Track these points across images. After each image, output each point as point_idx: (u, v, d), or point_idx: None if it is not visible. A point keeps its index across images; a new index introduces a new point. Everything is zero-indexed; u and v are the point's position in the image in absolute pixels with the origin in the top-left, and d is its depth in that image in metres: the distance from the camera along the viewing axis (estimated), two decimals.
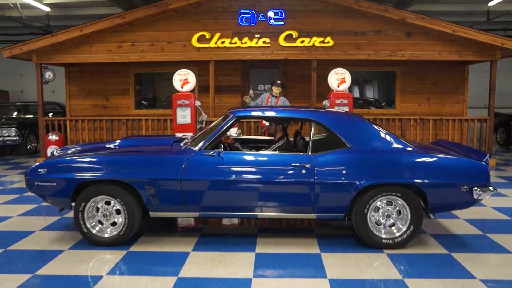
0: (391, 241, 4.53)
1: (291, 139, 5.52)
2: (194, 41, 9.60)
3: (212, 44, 9.60)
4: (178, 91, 8.65)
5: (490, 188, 4.47)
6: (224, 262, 4.24)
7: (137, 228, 4.73)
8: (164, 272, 4.02)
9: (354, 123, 4.77)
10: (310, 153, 4.55)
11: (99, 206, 4.67)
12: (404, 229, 4.55)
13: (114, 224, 4.69)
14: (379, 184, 4.46)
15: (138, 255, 4.44)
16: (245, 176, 4.52)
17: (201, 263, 4.21)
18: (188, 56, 9.72)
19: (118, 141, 5.57)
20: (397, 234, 4.56)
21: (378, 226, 4.60)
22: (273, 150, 4.82)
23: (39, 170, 4.68)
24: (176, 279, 3.87)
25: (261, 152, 4.78)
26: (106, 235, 4.65)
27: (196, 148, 4.65)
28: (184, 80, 8.55)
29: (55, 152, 5.45)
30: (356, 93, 11.32)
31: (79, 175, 4.58)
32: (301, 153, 4.60)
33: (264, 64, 10.93)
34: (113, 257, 4.38)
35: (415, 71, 10.70)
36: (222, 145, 4.58)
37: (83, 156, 4.74)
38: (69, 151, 5.33)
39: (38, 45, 9.53)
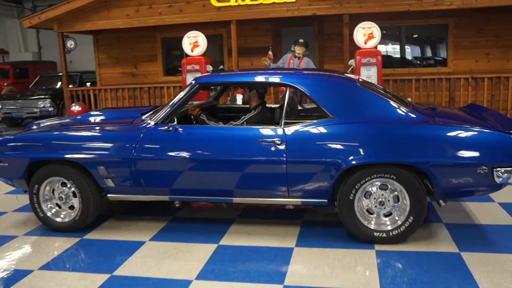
0: (384, 235, 3.63)
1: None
2: (213, 0, 8.79)
3: (232, 2, 8.73)
4: (188, 55, 7.98)
5: None
6: (174, 256, 3.61)
7: (97, 212, 4.22)
8: (100, 268, 3.47)
9: (340, 88, 3.83)
10: (282, 126, 3.70)
11: (55, 188, 4.21)
12: (401, 219, 3.62)
13: (72, 207, 4.21)
14: (368, 164, 3.54)
15: (88, 245, 3.94)
16: (205, 154, 3.80)
17: (147, 257, 3.61)
18: (208, 17, 8.95)
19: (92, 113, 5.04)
20: (392, 226, 3.64)
21: (371, 216, 3.70)
22: (242, 123, 4.02)
23: None
24: (108, 277, 3.31)
25: (225, 125, 4.00)
26: (60, 220, 4.19)
27: (152, 123, 3.98)
28: (193, 43, 7.86)
29: (34, 127, 5.03)
30: (397, 51, 9.94)
31: (28, 154, 4.12)
32: (272, 127, 3.76)
33: (296, 22, 9.86)
34: (60, 246, 3.92)
35: (472, 23, 9.09)
36: (185, 118, 3.88)
37: (35, 133, 4.27)
38: (38, 126, 4.89)
39: (56, 13, 9.24)
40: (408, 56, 9.84)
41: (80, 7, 9.24)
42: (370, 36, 7.01)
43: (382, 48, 9.69)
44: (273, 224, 4.18)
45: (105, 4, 9.27)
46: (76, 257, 3.72)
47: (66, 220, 4.18)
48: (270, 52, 7.97)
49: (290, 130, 3.67)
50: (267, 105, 4.42)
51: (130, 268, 3.45)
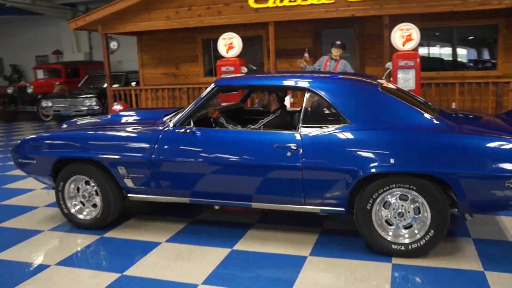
0: (403, 248, 3.45)
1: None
2: (251, 2, 8.76)
3: (270, 3, 8.66)
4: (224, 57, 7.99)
5: None
6: (187, 259, 3.61)
7: (118, 211, 4.29)
8: (113, 267, 3.53)
9: (359, 93, 3.67)
10: (299, 131, 3.60)
11: (79, 186, 4.32)
12: (421, 232, 3.43)
13: (95, 206, 4.31)
14: (386, 173, 3.37)
15: (107, 243, 4.01)
16: (221, 157, 3.77)
17: (160, 259, 3.63)
18: (246, 18, 8.93)
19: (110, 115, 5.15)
20: (411, 239, 3.45)
21: (390, 227, 3.53)
22: (260, 127, 3.95)
23: (20, 147, 4.46)
24: (118, 276, 3.36)
25: (242, 129, 3.95)
26: (83, 217, 4.30)
27: (171, 125, 3.99)
28: (228, 44, 7.84)
29: (64, 126, 5.20)
30: (442, 53, 9.49)
31: (54, 152, 4.26)
32: (288, 132, 3.67)
33: (337, 23, 9.66)
34: (80, 243, 4.02)
35: None
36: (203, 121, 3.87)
37: (60, 132, 4.40)
38: (68, 125, 5.04)
39: (100, 15, 9.54)
40: (454, 59, 9.38)
41: (123, 9, 9.47)
42: (408, 38, 6.73)
43: (424, 51, 9.33)
44: (291, 231, 4.09)
45: (146, 6, 9.46)
46: (92, 254, 3.81)
47: (88, 217, 4.29)
48: (306, 54, 7.85)
49: (306, 135, 3.56)
50: (288, 109, 4.33)
51: (141, 268, 3.48)
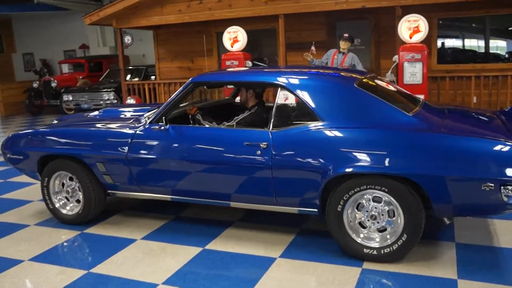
0: (375, 252, 3.29)
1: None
2: None
3: None
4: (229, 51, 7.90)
5: None
6: (157, 257, 3.58)
7: (100, 207, 4.31)
8: (82, 263, 3.54)
9: (332, 89, 3.51)
10: (270, 128, 3.49)
11: (64, 182, 4.36)
12: (393, 237, 3.26)
13: (78, 201, 4.34)
14: (357, 174, 3.22)
15: (85, 239, 4.04)
16: (193, 155, 3.71)
17: (130, 256, 3.62)
18: (255, 11, 8.80)
19: (101, 111, 5.15)
20: (383, 243, 3.29)
21: (363, 230, 3.38)
22: (236, 123, 3.85)
23: (8, 142, 4.54)
24: (84, 273, 3.37)
25: (214, 127, 3.87)
26: (65, 212, 4.34)
27: (147, 121, 3.96)
28: (233, 38, 7.75)
29: (55, 121, 5.28)
30: (460, 45, 9.05)
31: (38, 148, 4.31)
32: (259, 129, 3.56)
33: (351, 15, 9.39)
34: (59, 238, 4.07)
35: None
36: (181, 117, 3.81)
37: (43, 129, 4.45)
38: (58, 122, 5.10)
39: (114, 10, 9.63)
40: (473, 50, 8.95)
41: (136, 4, 9.53)
42: (416, 30, 6.42)
43: (440, 42, 8.93)
44: (269, 230, 3.99)
45: (158, 0, 9.48)
46: (67, 250, 3.84)
47: (71, 213, 4.33)
48: (313, 48, 7.66)
49: (277, 133, 3.45)
50: (267, 105, 4.21)
51: (109, 266, 3.47)
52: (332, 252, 3.49)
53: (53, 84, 13.50)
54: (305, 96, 3.46)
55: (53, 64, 18.66)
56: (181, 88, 3.89)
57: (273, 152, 3.41)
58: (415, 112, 3.46)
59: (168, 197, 4.02)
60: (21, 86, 14.62)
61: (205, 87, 5.06)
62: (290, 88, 3.52)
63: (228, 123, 3.86)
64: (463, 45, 8.98)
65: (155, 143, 3.84)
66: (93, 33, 17.50)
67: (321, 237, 3.78)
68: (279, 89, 3.59)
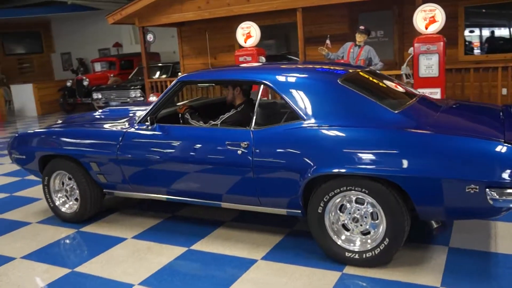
0: (356, 256, 3.16)
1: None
2: None
3: None
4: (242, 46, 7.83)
5: None
6: (141, 257, 3.59)
7: (97, 206, 4.37)
8: (68, 262, 3.61)
9: (314, 86, 3.37)
10: (252, 128, 3.41)
11: (64, 181, 4.46)
12: (375, 241, 3.11)
13: (77, 200, 4.42)
14: (337, 175, 3.09)
15: (79, 237, 4.12)
16: (178, 154, 3.69)
17: (116, 256, 3.65)
18: (273, 5, 8.69)
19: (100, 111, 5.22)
20: (364, 247, 3.15)
21: (346, 233, 3.25)
22: (221, 122, 3.79)
23: (14, 143, 4.68)
24: (67, 272, 3.42)
25: (199, 126, 3.82)
26: (65, 210, 4.44)
27: (137, 121, 3.97)
28: (246, 34, 7.66)
29: (59, 121, 5.41)
30: (488, 35, 8.56)
31: (38, 148, 4.42)
32: (241, 128, 3.48)
33: (374, 6, 9.08)
34: (55, 236, 4.15)
35: None
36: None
37: (43, 129, 4.56)
38: (62, 121, 5.22)
39: (135, 9, 9.78)
40: (503, 39, 8.45)
41: (156, 2, 9.63)
42: (432, 20, 6.10)
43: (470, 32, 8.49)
44: (259, 231, 3.91)
45: None
46: (59, 248, 3.91)
47: (69, 211, 4.42)
48: (328, 41, 7.48)
49: (258, 132, 3.36)
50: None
51: (94, 265, 3.52)
52: (316, 256, 3.37)
53: (85, 83, 13.90)
54: (287, 93, 3.35)
55: (89, 63, 19.23)
56: (169, 87, 3.87)
57: (254, 152, 3.33)
58: (403, 108, 3.28)
59: (161, 197, 4.02)
60: (56, 85, 15.16)
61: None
62: (272, 86, 3.42)
63: (214, 122, 3.81)
64: (492, 34, 8.50)
65: (142, 143, 3.84)
66: (125, 31, 17.89)
67: (309, 240, 3.65)
68: (262, 86, 3.50)
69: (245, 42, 7.78)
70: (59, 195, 4.50)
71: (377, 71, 4.29)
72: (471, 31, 8.57)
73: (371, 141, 3.02)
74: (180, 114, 4.07)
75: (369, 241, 3.14)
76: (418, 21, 6.20)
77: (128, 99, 12.10)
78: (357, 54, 7.26)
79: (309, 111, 3.25)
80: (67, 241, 4.05)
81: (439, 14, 6.05)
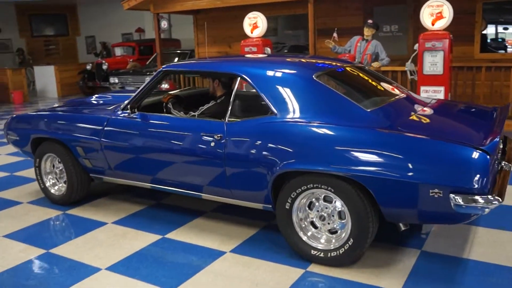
0: (322, 254, 3.13)
1: None
2: None
3: None
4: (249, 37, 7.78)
5: (483, 199, 2.58)
6: (115, 242, 3.66)
7: (84, 189, 4.45)
8: (46, 243, 3.70)
9: (287, 81, 3.32)
10: (226, 120, 3.40)
11: (54, 163, 4.56)
12: (339, 241, 3.08)
13: (66, 182, 4.52)
14: (303, 171, 3.06)
15: (62, 219, 4.23)
16: (156, 143, 3.72)
17: (91, 239, 3.73)
18: None
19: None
20: (328, 246, 3.12)
21: (313, 230, 3.22)
22: (200, 114, 3.79)
23: (10, 124, 4.81)
24: (42, 253, 3.53)
25: (178, 116, 3.83)
26: (54, 192, 4.55)
27: (121, 108, 4.01)
28: (253, 24, 7.60)
29: (55, 105, 5.52)
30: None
31: (30, 131, 4.53)
32: (216, 120, 3.48)
33: (389, 0, 8.92)
34: (40, 217, 4.27)
35: None
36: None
37: (35, 112, 4.66)
38: (58, 105, 5.31)
39: None
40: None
41: None
42: (439, 16, 5.91)
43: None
44: (236, 223, 3.92)
45: None
46: (40, 229, 4.01)
47: (57, 193, 4.52)
48: (335, 34, 7.35)
49: (232, 124, 3.36)
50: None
51: (68, 247, 3.60)
52: (286, 252, 3.35)
53: (104, 67, 14.12)
54: (261, 87, 3.32)
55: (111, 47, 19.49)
56: (152, 76, 3.90)
57: (226, 144, 3.33)
58: (376, 107, 3.21)
59: (144, 184, 4.07)
60: (77, 68, 15.45)
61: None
62: (247, 79, 3.40)
63: (194, 113, 3.82)
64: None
65: (123, 130, 3.89)
66: (148, 17, 17.98)
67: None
68: (238, 79, 3.48)
69: (252, 33, 7.73)
70: (49, 177, 4.61)
71: (367, 68, 4.20)
72: (488, 28, 8.30)
73: (336, 139, 2.98)
74: (164, 103, 4.09)
75: (333, 240, 3.11)
76: (424, 17, 6.02)
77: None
78: (364, 48, 7.12)
79: (281, 106, 3.22)
80: (51, 222, 4.15)
81: (447, 10, 5.86)
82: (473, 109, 3.78)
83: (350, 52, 7.28)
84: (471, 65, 7.29)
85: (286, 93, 3.26)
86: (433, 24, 5.98)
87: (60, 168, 4.49)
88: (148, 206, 4.43)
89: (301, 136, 3.07)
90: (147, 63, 13.90)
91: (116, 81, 12.78)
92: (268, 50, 7.66)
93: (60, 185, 4.56)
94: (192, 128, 3.55)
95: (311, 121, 3.10)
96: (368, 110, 3.13)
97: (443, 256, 3.24)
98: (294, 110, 3.19)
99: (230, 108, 3.41)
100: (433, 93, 5.91)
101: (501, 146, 3.38)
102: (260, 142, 3.20)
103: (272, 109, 3.24)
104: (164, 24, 10.39)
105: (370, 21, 7.00)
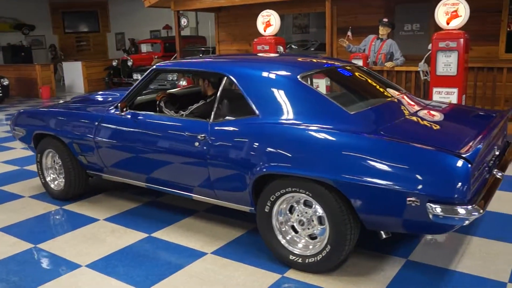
0: (300, 260, 3.05)
1: None
2: None
3: None
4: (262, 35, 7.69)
5: (463, 209, 2.44)
6: (102, 239, 3.69)
7: (81, 185, 4.51)
8: (35, 238, 3.76)
9: (271, 82, 3.24)
10: (211, 120, 3.36)
11: (54, 159, 4.65)
12: (316, 247, 2.99)
13: None
14: (282, 175, 2.98)
15: (57, 214, 4.30)
16: (145, 142, 3.72)
17: (80, 235, 3.77)
18: None
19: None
20: (305, 252, 3.03)
21: (293, 235, 3.14)
22: (189, 113, 3.76)
23: (15, 119, 4.92)
24: (30, 247, 3.58)
25: (167, 115, 3.81)
26: (53, 187, 4.64)
27: (114, 106, 4.03)
28: (266, 22, 7.51)
29: (60, 101, 5.62)
30: None
31: (31, 127, 4.62)
32: (201, 120, 3.44)
33: None
34: (37, 211, 4.35)
35: None
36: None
37: (36, 109, 4.75)
38: (63, 101, 5.41)
39: None
40: None
41: None
42: (455, 15, 5.66)
43: None
44: (224, 224, 3.88)
45: None
46: (34, 223, 4.08)
47: (56, 188, 4.60)
48: (349, 33, 7.20)
49: (215, 125, 3.31)
50: None
51: (55, 243, 3.65)
52: (266, 256, 3.28)
53: (129, 63, 14.33)
54: (245, 87, 3.26)
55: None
56: (144, 74, 3.90)
57: (209, 145, 3.29)
58: (361, 110, 3.10)
59: (138, 183, 4.08)
60: (103, 64, 15.75)
61: None
62: (233, 79, 3.34)
63: (184, 113, 3.80)
64: None
65: (114, 127, 3.91)
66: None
67: None
68: (224, 78, 3.43)
69: (265, 31, 7.65)
70: (50, 172, 4.70)
71: (364, 69, 4.06)
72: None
73: (314, 142, 2.88)
74: (157, 102, 4.09)
75: (310, 246, 3.02)
76: (439, 15, 5.79)
77: (165, 82, 12.33)
78: (379, 47, 6.95)
79: (263, 107, 3.16)
80: (45, 217, 4.22)
81: (463, 8, 5.61)
82: (470, 114, 3.60)
83: (364, 51, 7.12)
84: (491, 66, 6.97)
85: (269, 94, 3.19)
86: (448, 23, 5.74)
87: (60, 163, 4.56)
88: (143, 203, 4.44)
89: (279, 138, 3.00)
90: (171, 59, 14.01)
91: (139, 77, 12.92)
92: (281, 48, 7.57)
93: (60, 180, 4.63)
94: (178, 128, 3.53)
95: (292, 123, 3.02)
96: (352, 112, 3.02)
97: (429, 266, 3.09)
98: (276, 111, 3.11)
99: (215, 108, 3.37)
100: (446, 95, 5.69)
101: (497, 153, 3.20)
102: (240, 143, 3.15)
103: (254, 110, 3.18)
104: (184, 21, 10.44)
105: (385, 19, 6.83)
